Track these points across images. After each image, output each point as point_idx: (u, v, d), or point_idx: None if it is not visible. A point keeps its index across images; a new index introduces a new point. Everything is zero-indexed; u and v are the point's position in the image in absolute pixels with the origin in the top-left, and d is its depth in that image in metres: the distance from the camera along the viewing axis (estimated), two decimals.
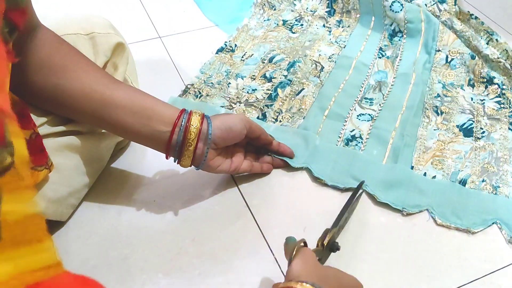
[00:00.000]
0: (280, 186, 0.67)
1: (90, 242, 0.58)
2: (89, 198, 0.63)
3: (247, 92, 0.80)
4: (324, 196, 0.65)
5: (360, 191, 0.64)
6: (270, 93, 0.80)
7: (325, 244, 0.53)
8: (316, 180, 0.67)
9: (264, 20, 0.98)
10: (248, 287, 0.55)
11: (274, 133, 0.69)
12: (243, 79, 0.83)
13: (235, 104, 0.78)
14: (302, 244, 0.47)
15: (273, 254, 0.58)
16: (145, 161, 0.69)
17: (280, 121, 0.75)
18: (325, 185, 0.66)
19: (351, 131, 0.74)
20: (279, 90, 0.81)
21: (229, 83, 0.82)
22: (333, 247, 0.54)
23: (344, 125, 0.75)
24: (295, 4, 1.02)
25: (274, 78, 0.84)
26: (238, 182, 0.67)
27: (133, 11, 1.01)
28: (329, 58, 0.89)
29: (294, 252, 0.45)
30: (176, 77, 0.85)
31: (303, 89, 0.81)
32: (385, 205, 0.64)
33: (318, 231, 0.61)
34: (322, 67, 0.86)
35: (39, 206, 0.27)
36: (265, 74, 0.84)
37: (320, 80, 0.83)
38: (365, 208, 0.64)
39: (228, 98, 0.79)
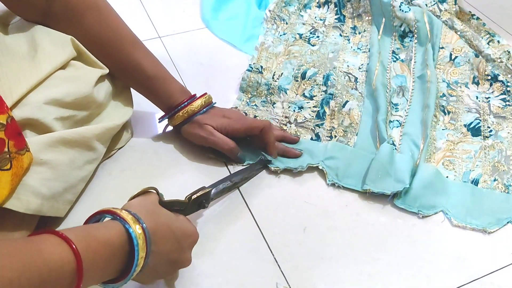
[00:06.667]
0: (280, 186, 0.67)
1: None
2: (89, 198, 0.63)
3: (294, 110, 0.78)
4: (324, 196, 0.65)
5: (260, 167, 0.68)
6: (318, 111, 0.78)
7: (192, 198, 0.55)
8: (313, 181, 0.67)
9: (280, 35, 0.94)
10: (248, 287, 0.55)
11: (331, 151, 0.69)
12: (286, 92, 0.81)
13: (286, 125, 0.75)
14: (152, 190, 0.51)
15: (273, 254, 0.58)
16: (144, 161, 0.69)
17: (335, 136, 0.73)
18: (324, 185, 0.67)
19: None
20: (325, 107, 0.78)
21: (274, 102, 0.79)
22: (201, 203, 0.57)
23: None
24: (302, 16, 0.99)
25: (314, 96, 0.80)
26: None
27: (133, 11, 1.01)
28: (359, 68, 0.86)
29: (137, 193, 0.50)
30: (176, 77, 0.85)
31: (347, 101, 0.79)
32: (384, 206, 0.64)
33: (318, 231, 0.61)
34: (356, 78, 0.84)
35: None
36: (304, 93, 0.81)
37: (360, 92, 0.81)
38: (365, 209, 0.64)
39: (277, 120, 0.76)
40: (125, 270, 0.43)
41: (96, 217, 0.45)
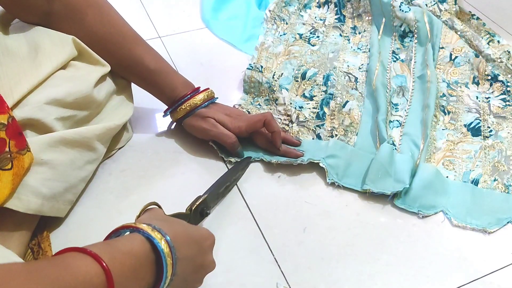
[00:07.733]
0: (280, 186, 0.67)
1: (90, 243, 0.58)
2: (89, 198, 0.63)
3: (295, 107, 0.78)
4: (324, 196, 0.65)
5: (245, 165, 0.68)
6: (317, 112, 0.78)
7: (193, 209, 0.56)
8: (313, 181, 0.67)
9: (281, 35, 0.94)
10: (248, 287, 0.55)
11: (332, 149, 0.69)
12: (288, 91, 0.80)
13: (288, 125, 0.75)
14: (153, 206, 0.51)
15: (273, 254, 0.58)
16: (145, 162, 0.69)
17: (336, 135, 0.73)
18: (324, 185, 0.67)
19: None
20: (324, 108, 0.78)
21: (276, 99, 0.79)
22: (202, 212, 0.58)
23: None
24: (302, 16, 0.99)
25: (314, 96, 0.80)
26: (238, 182, 0.67)
27: (133, 11, 1.01)
28: (359, 68, 0.87)
29: (141, 211, 0.50)
30: None
31: (347, 101, 0.79)
32: (384, 206, 0.64)
33: (318, 231, 0.61)
34: (356, 78, 0.84)
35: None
36: (304, 93, 0.81)
37: (360, 92, 0.81)
38: (365, 209, 0.64)
39: (279, 120, 0.76)
40: (157, 282, 0.42)
41: (112, 236, 0.44)
